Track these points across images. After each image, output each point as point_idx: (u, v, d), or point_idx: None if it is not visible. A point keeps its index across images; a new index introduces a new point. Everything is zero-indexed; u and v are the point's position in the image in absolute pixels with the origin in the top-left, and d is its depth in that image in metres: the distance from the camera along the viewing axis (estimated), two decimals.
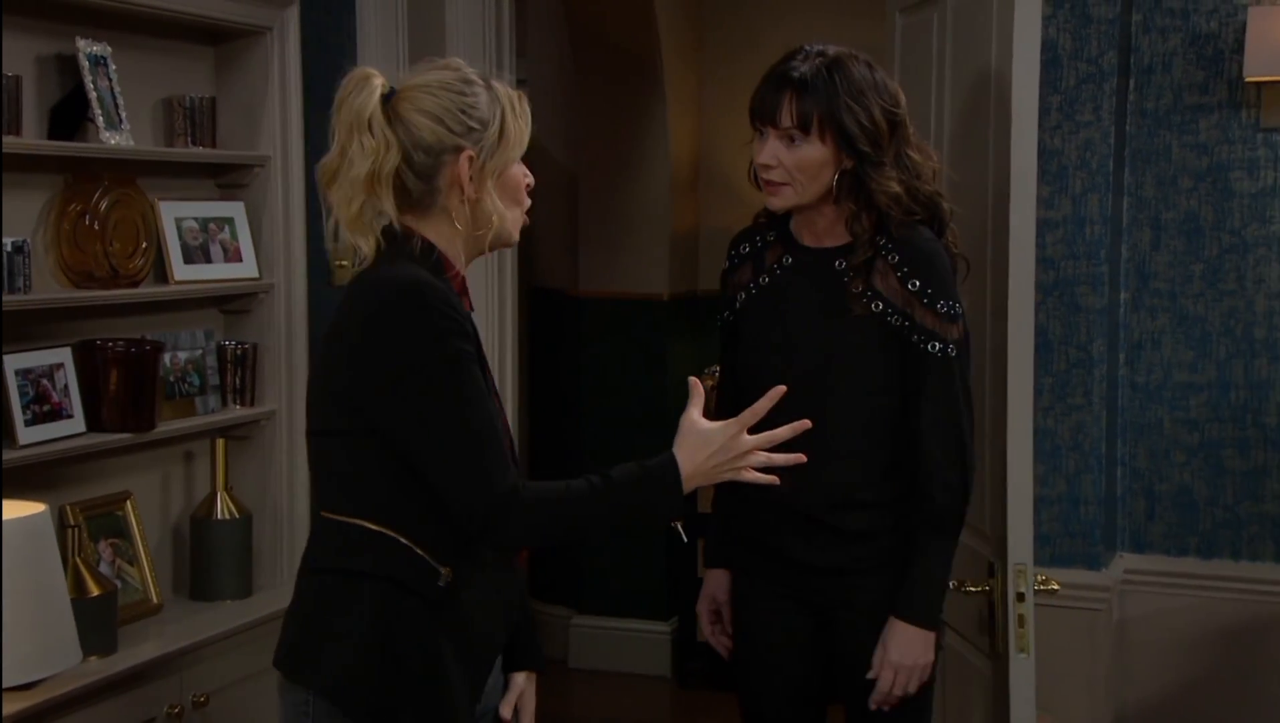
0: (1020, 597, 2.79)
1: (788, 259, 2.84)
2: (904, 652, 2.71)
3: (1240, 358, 3.78)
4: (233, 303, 3.44)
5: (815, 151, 2.67)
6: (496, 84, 2.25)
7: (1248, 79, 3.64)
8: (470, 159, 2.17)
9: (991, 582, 2.93)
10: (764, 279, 2.86)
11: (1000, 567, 2.88)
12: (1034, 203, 2.88)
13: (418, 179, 2.17)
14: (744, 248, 2.91)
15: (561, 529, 2.22)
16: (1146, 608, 3.82)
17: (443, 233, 2.20)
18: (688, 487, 2.21)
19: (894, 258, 2.70)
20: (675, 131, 5.65)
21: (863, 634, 2.80)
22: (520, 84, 3.99)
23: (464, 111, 2.18)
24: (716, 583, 3.05)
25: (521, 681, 2.45)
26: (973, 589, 2.93)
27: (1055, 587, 2.93)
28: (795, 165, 2.68)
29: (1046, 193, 3.65)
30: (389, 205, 2.17)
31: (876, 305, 2.71)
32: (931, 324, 2.69)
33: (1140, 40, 3.79)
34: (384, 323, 2.12)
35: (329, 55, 3.71)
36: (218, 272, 3.34)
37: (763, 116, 2.70)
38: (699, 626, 3.11)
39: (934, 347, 2.69)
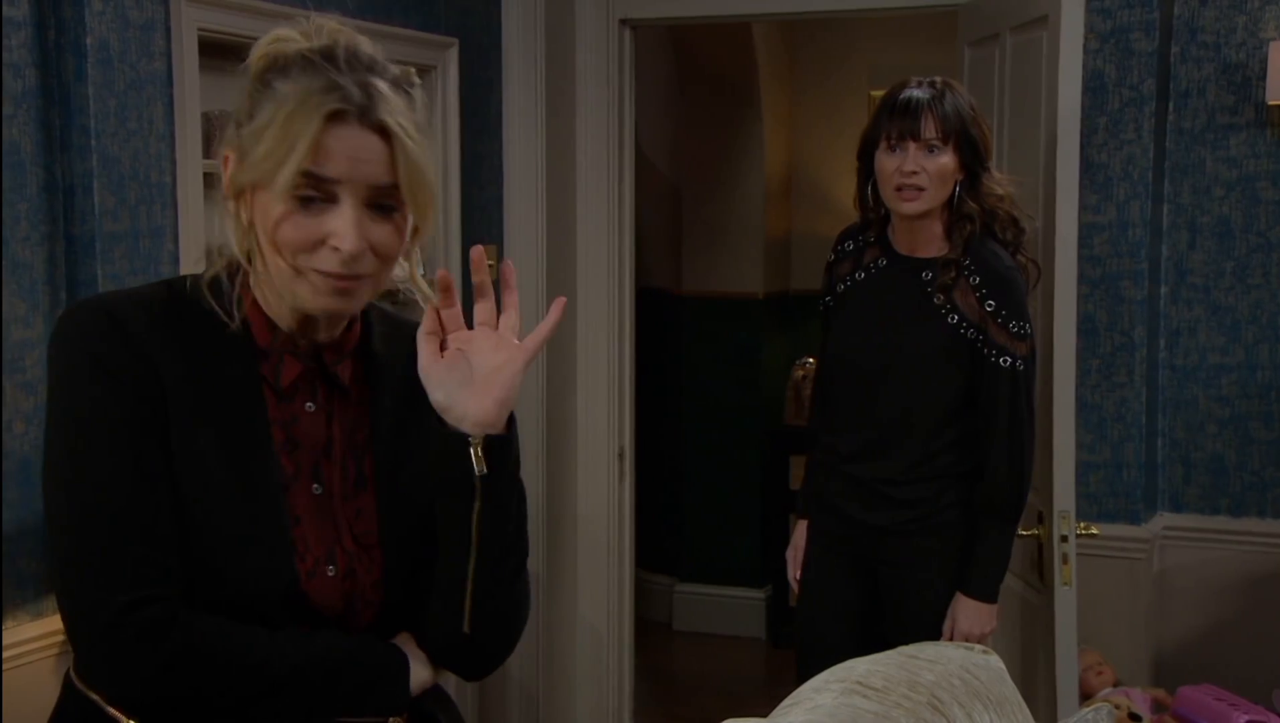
0: (1064, 539, 3.03)
1: (882, 261, 3.03)
2: (972, 623, 2.94)
3: (1265, 343, 3.83)
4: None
5: (949, 160, 2.87)
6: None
7: (1270, 103, 3.69)
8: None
9: (1040, 528, 3.16)
10: (859, 275, 3.07)
11: (1047, 514, 3.10)
12: (1076, 209, 3.04)
13: None
14: (848, 245, 3.10)
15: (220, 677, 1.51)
16: (1183, 559, 3.87)
17: None
18: None
19: (975, 280, 2.87)
20: (770, 146, 5.81)
21: (899, 582, 3.04)
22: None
23: None
24: (800, 532, 3.27)
25: None
26: (1024, 533, 3.13)
27: (1095, 532, 3.20)
28: (936, 172, 2.86)
29: (1095, 200, 3.72)
30: None
31: (953, 318, 2.90)
32: (1003, 341, 2.86)
33: (1177, 69, 3.82)
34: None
35: (480, 89, 4.01)
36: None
37: (903, 132, 2.86)
38: (788, 572, 3.30)
39: (1005, 361, 2.87)
